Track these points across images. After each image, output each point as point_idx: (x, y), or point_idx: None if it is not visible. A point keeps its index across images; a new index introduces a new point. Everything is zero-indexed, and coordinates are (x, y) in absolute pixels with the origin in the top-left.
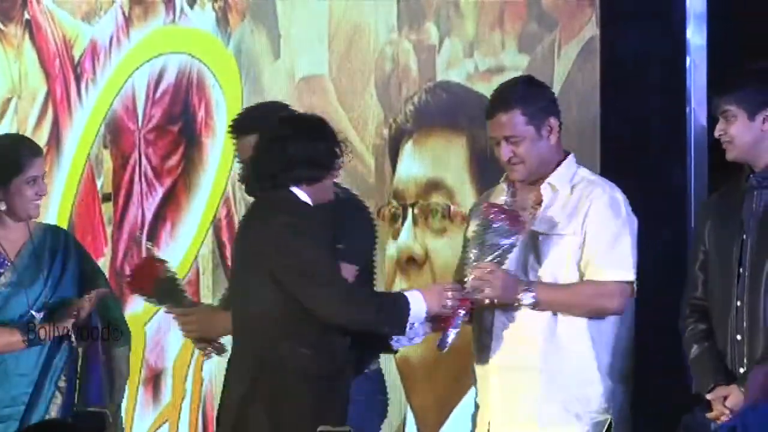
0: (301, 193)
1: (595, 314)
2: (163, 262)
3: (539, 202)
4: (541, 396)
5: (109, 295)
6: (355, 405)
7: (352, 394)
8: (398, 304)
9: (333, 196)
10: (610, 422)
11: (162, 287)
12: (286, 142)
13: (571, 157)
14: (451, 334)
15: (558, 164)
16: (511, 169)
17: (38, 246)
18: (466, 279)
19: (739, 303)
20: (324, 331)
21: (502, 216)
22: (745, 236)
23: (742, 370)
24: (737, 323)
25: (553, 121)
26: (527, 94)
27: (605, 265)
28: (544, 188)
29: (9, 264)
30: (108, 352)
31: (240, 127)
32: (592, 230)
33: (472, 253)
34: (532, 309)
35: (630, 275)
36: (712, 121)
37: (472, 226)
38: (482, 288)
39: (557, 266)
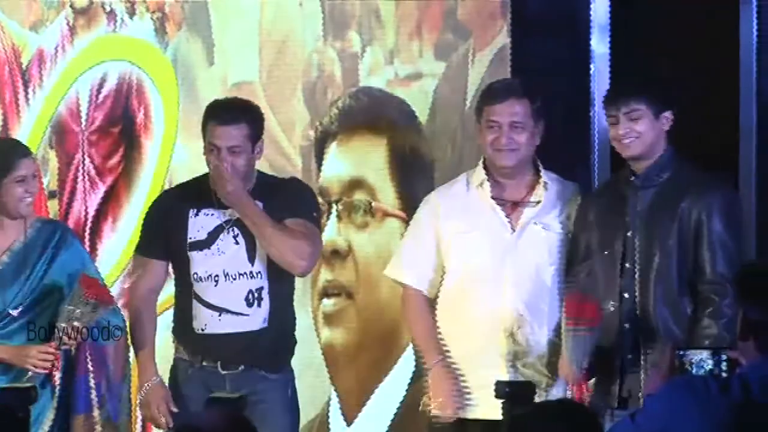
0: None
1: None
2: None
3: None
4: None
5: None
6: None
7: None
8: None
9: None
10: None
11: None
12: None
13: None
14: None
15: (534, 161)
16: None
17: (30, 243)
18: None
19: (626, 295)
20: None
21: None
22: (629, 233)
23: (629, 357)
24: (623, 314)
25: None
26: None
27: None
28: (542, 186)
29: None
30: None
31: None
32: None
33: None
34: None
35: None
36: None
37: None
38: None
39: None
